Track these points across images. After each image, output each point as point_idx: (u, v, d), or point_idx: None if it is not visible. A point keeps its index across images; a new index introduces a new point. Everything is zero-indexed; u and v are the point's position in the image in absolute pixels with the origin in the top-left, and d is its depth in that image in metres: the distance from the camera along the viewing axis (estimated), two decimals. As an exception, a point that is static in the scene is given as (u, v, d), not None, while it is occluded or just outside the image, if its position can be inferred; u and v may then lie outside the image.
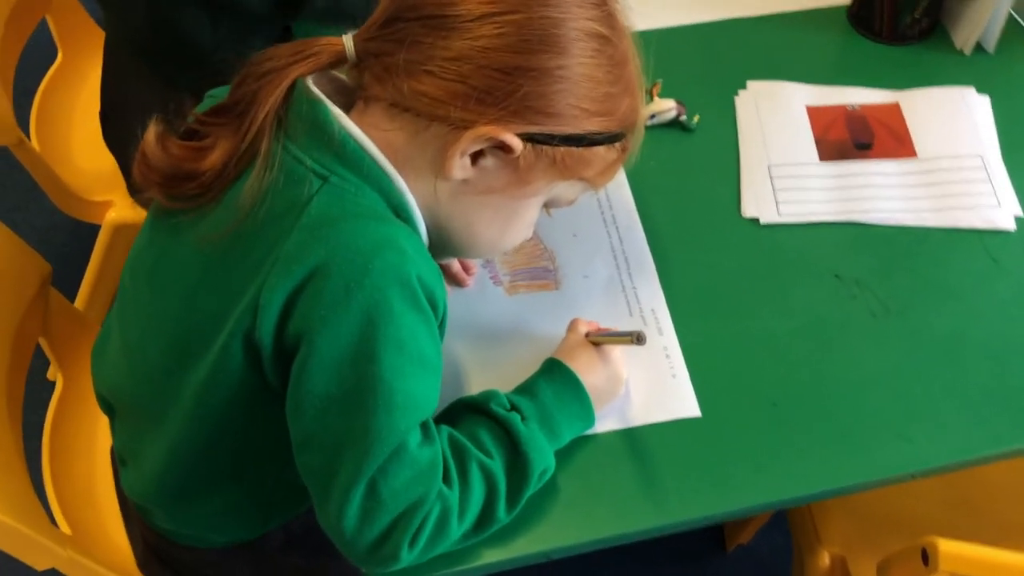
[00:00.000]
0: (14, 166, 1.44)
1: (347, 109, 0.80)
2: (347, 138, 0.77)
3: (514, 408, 0.85)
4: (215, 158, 0.79)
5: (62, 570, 1.01)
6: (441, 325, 0.83)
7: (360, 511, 0.75)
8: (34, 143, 1.50)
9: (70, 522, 1.15)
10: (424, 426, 0.79)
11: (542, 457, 0.84)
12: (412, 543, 0.77)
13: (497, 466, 0.82)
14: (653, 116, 1.12)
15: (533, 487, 0.84)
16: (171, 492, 0.90)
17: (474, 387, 0.93)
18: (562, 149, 0.78)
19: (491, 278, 1.02)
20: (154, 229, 0.87)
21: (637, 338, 0.84)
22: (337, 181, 0.76)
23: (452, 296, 1.00)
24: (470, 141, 0.76)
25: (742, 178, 1.08)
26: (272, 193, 0.76)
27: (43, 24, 1.57)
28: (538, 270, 1.02)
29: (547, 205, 0.86)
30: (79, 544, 1.08)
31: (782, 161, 1.09)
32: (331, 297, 0.73)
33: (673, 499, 0.86)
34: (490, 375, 0.93)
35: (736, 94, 1.17)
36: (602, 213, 1.06)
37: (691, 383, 0.93)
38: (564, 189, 0.84)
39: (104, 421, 1.18)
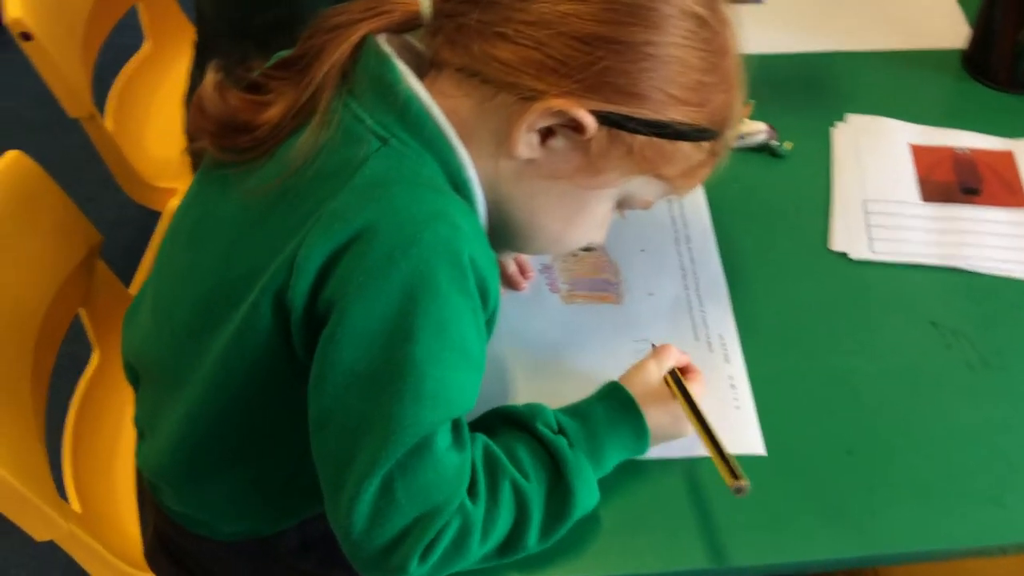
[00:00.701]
0: (92, 157, 1.42)
1: (420, 78, 0.74)
2: (412, 99, 0.71)
3: (561, 431, 0.77)
4: (273, 112, 0.74)
5: (61, 544, 0.96)
6: (490, 321, 0.76)
7: (372, 508, 0.67)
8: (108, 123, 1.49)
9: (81, 499, 1.10)
10: (456, 427, 0.71)
11: (588, 493, 0.75)
12: (424, 556, 0.68)
13: (533, 490, 0.73)
14: (741, 137, 1.05)
15: (572, 521, 0.75)
16: (182, 467, 0.83)
17: (517, 396, 0.85)
18: (641, 138, 0.70)
19: (548, 285, 0.94)
20: (200, 185, 0.82)
21: (737, 490, 0.73)
22: (397, 145, 0.70)
23: (505, 298, 0.93)
24: (538, 115, 0.69)
25: (833, 211, 1.00)
26: (327, 150, 0.71)
27: (132, 13, 1.58)
28: (599, 281, 0.94)
29: (620, 205, 0.78)
30: (85, 522, 1.02)
31: (879, 197, 1.00)
32: (373, 263, 0.66)
33: (726, 541, 0.76)
34: (535, 385, 0.85)
35: (833, 126, 1.08)
36: (675, 231, 0.98)
37: (757, 418, 0.84)
38: (640, 186, 0.75)
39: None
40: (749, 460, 0.81)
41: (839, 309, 0.92)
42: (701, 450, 0.81)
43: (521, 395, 0.85)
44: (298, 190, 0.71)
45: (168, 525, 0.95)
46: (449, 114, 0.71)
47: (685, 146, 0.73)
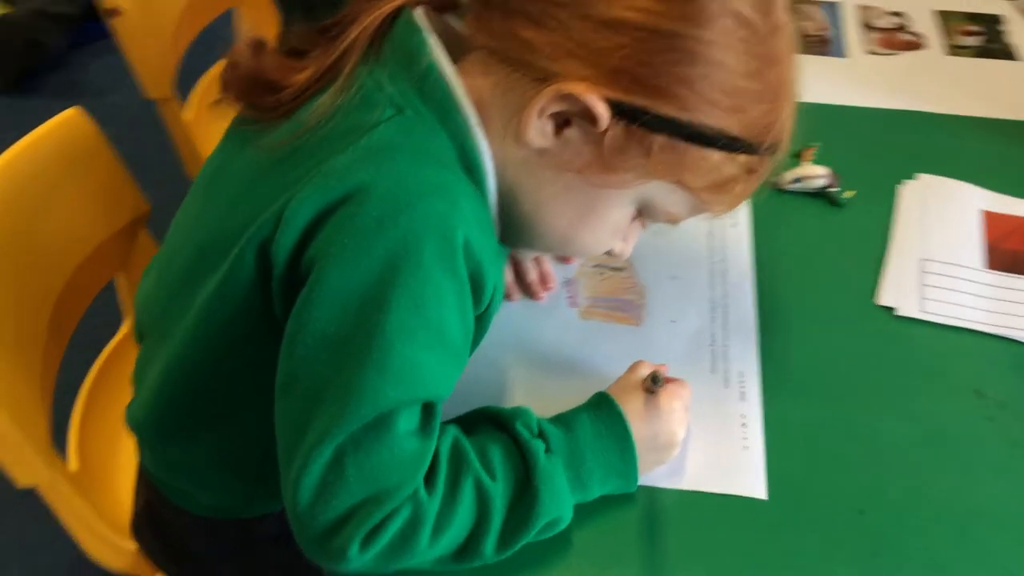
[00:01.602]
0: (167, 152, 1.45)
1: (455, 60, 0.72)
2: (433, 70, 0.68)
3: (541, 436, 0.72)
4: (301, 76, 0.73)
5: (43, 492, 0.94)
6: (485, 316, 0.72)
7: (319, 482, 0.63)
8: (188, 114, 1.52)
9: (81, 458, 1.09)
10: (426, 413, 0.67)
11: (556, 503, 0.69)
12: (366, 542, 0.64)
13: (498, 493, 0.68)
14: (798, 180, 0.99)
15: (534, 533, 0.69)
16: (157, 423, 0.81)
17: (514, 404, 0.80)
18: (661, 138, 0.65)
19: (568, 298, 0.90)
20: (223, 142, 0.82)
21: (653, 379, 0.71)
22: (411, 115, 0.68)
23: (521, 306, 0.89)
24: (549, 98, 0.65)
25: (887, 265, 0.93)
26: (342, 112, 0.69)
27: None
28: (622, 301, 0.89)
29: (642, 213, 0.73)
30: (77, 480, 1.01)
31: (940, 259, 0.93)
32: (360, 226, 0.63)
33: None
34: (536, 396, 0.80)
35: (901, 183, 1.02)
36: (712, 263, 0.93)
37: (765, 461, 0.77)
38: (662, 195, 0.70)
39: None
40: (747, 502, 0.74)
41: (876, 364, 0.85)
42: (694, 484, 0.75)
43: (519, 404, 0.80)
44: (306, 148, 0.69)
45: (153, 493, 0.92)
46: (470, 93, 0.69)
47: (714, 155, 0.68)
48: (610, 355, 0.84)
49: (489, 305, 0.72)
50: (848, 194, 0.99)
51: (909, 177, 1.03)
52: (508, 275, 0.89)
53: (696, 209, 0.73)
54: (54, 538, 0.99)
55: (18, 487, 0.91)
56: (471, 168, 0.69)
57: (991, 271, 0.92)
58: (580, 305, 0.89)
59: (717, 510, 0.74)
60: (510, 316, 0.88)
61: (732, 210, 0.75)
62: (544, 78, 0.66)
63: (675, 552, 0.71)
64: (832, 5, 1.28)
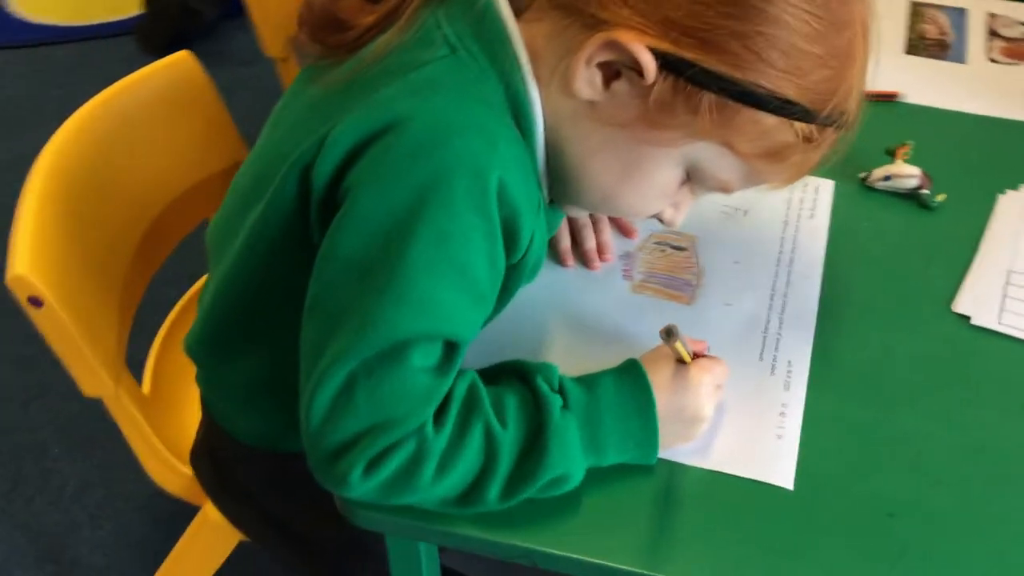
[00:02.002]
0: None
1: (521, 8, 0.71)
2: (490, 12, 0.68)
3: (561, 392, 0.70)
4: (371, 17, 0.74)
5: (108, 405, 0.98)
6: (521, 265, 0.71)
7: (330, 403, 0.64)
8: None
9: (154, 384, 1.14)
10: (446, 353, 0.67)
11: (564, 459, 0.68)
12: (369, 470, 0.64)
13: (507, 440, 0.67)
14: (888, 178, 0.94)
15: (539, 486, 0.68)
16: (205, 343, 0.84)
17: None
18: (710, 95, 0.64)
19: (623, 271, 0.88)
20: (295, 82, 0.84)
21: (668, 332, 0.68)
22: (464, 56, 0.68)
23: (573, 272, 0.88)
24: (596, 46, 0.64)
25: (970, 272, 0.87)
26: (400, 50, 0.70)
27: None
28: (678, 280, 0.87)
29: (691, 177, 0.71)
30: (146, 403, 1.05)
31: (1030, 272, 0.87)
32: (395, 156, 0.64)
33: (711, 562, 0.67)
34: (571, 364, 0.76)
35: (1004, 193, 0.96)
36: (780, 250, 0.89)
37: (798, 451, 0.73)
38: (711, 158, 0.68)
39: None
40: (771, 490, 0.71)
41: (936, 370, 0.80)
42: (720, 465, 0.72)
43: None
44: (360, 83, 0.70)
45: (207, 419, 0.96)
46: (526, 39, 0.68)
47: (767, 119, 0.65)
48: (655, 331, 0.81)
49: (525, 255, 0.72)
50: (940, 198, 0.94)
51: (1014, 188, 0.96)
52: (564, 240, 0.88)
53: (750, 179, 0.71)
54: (138, 470, 1.04)
55: (84, 395, 0.96)
56: (519, 115, 0.69)
57: (1086, 291, 0.86)
58: (634, 279, 0.87)
59: (738, 494, 0.71)
60: (560, 280, 0.87)
61: (791, 183, 0.73)
62: (594, 25, 0.65)
63: (684, 528, 0.69)
64: (960, 11, 1.22)
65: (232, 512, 1.03)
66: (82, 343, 0.92)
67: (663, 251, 0.90)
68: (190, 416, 1.10)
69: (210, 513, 1.06)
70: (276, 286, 0.75)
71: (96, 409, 1.00)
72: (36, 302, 0.87)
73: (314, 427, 0.65)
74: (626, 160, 0.69)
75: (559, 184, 0.74)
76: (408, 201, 0.63)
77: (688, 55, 0.63)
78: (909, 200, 0.95)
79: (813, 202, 0.94)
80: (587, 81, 0.66)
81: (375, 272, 0.64)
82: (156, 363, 1.16)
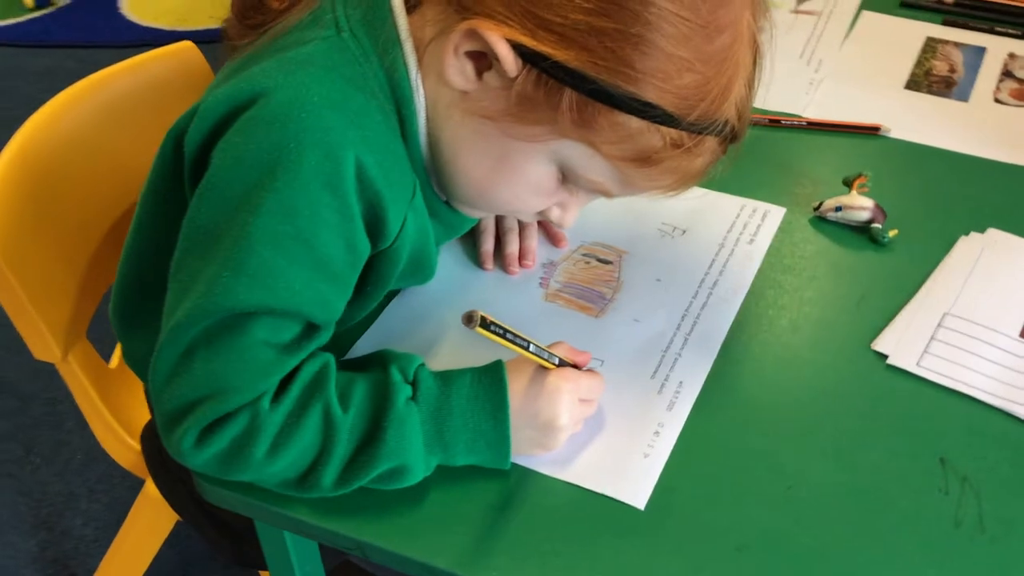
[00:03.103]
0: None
1: None
2: None
3: (415, 383, 0.69)
4: (286, 1, 0.76)
5: (60, 372, 1.02)
6: (391, 253, 0.71)
7: (170, 370, 0.66)
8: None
9: (121, 360, 1.17)
10: (304, 332, 0.67)
11: (402, 450, 0.66)
12: (201, 441, 0.65)
13: (345, 426, 0.66)
14: (839, 209, 0.90)
15: (374, 475, 0.67)
16: (118, 311, 0.86)
17: (441, 364, 0.78)
18: (570, 93, 0.63)
19: (541, 279, 0.86)
20: None
21: (468, 318, 0.63)
22: (348, 39, 0.68)
23: (491, 275, 0.87)
24: (461, 35, 0.64)
25: (901, 312, 0.82)
26: (293, 30, 0.71)
27: None
28: (592, 292, 0.85)
29: (566, 178, 0.70)
30: (108, 376, 1.08)
31: (968, 316, 0.81)
32: (250, 127, 0.65)
33: (533, 573, 0.65)
34: (459, 364, 0.77)
35: (967, 234, 0.89)
36: (706, 274, 0.86)
37: (659, 475, 0.70)
38: (579, 157, 0.67)
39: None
40: (622, 508, 0.68)
41: (837, 406, 0.75)
42: (577, 478, 0.70)
43: (450, 367, 0.77)
44: (251, 59, 0.71)
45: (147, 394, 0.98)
46: (416, 28, 0.69)
47: (631, 121, 0.64)
48: (555, 339, 0.79)
49: (396, 242, 0.71)
50: (892, 233, 0.88)
51: (980, 231, 0.90)
52: (487, 243, 0.87)
53: (623, 183, 0.69)
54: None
55: (35, 358, 1.00)
56: (400, 101, 0.69)
57: (1026, 341, 0.79)
58: (549, 288, 0.85)
59: (586, 508, 0.68)
60: (476, 281, 0.86)
61: (676, 191, 0.70)
62: (461, 13, 0.64)
63: (517, 537, 0.66)
64: (979, 50, 1.16)
65: (167, 491, 1.05)
66: (30, 308, 0.95)
67: (588, 263, 0.88)
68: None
69: (150, 490, 1.08)
70: (164, 254, 0.77)
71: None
72: (-17, 261, 0.92)
73: (155, 391, 0.66)
74: (496, 154, 0.69)
75: (441, 177, 0.73)
76: (257, 172, 0.64)
77: (546, 49, 0.62)
78: (861, 233, 0.90)
79: (757, 228, 0.91)
80: (458, 71, 0.66)
81: (221, 241, 0.65)
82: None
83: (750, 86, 0.68)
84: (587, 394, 0.72)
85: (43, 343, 0.99)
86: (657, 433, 0.73)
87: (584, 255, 0.89)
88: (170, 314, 0.66)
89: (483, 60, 0.65)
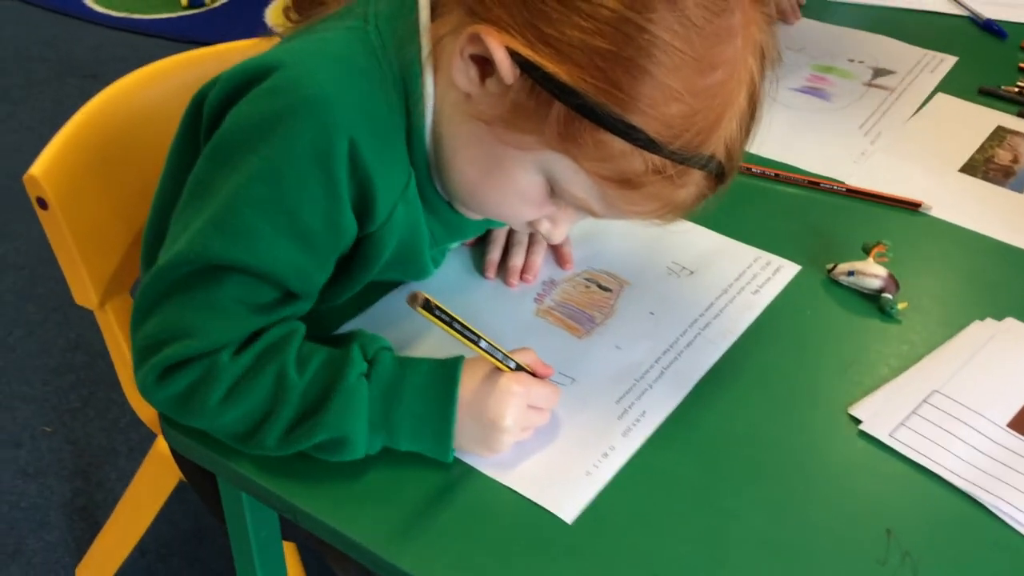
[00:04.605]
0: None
1: None
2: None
3: (372, 361, 0.71)
4: None
5: (97, 319, 1.08)
6: (378, 237, 0.74)
7: (147, 302, 0.70)
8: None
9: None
10: (280, 299, 0.71)
11: (344, 423, 0.68)
12: (161, 379, 0.69)
13: (297, 389, 0.69)
14: (852, 274, 0.88)
15: (314, 441, 0.69)
16: (142, 261, 0.91)
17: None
18: (559, 106, 0.64)
19: (538, 295, 0.88)
20: None
21: (412, 298, 0.64)
22: (372, 32, 0.72)
23: (491, 284, 0.89)
24: (467, 39, 0.67)
25: (889, 383, 0.80)
26: (329, 18, 0.75)
27: None
28: (583, 315, 0.86)
29: (555, 191, 0.71)
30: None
31: (956, 398, 0.78)
32: (259, 94, 0.69)
33: (445, 561, 0.65)
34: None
35: (982, 319, 0.87)
36: (701, 315, 0.86)
37: (596, 494, 0.70)
38: (562, 169, 0.68)
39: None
40: (551, 519, 0.69)
41: (796, 461, 0.73)
42: (515, 483, 0.71)
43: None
44: (287, 40, 0.76)
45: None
46: (436, 28, 0.72)
47: (615, 142, 0.65)
48: (539, 355, 0.81)
49: (384, 229, 0.74)
50: (902, 306, 0.86)
51: (996, 319, 0.87)
52: (494, 252, 0.90)
53: (605, 203, 0.70)
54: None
55: (76, 302, 1.07)
56: (409, 97, 0.72)
57: (1012, 432, 0.76)
58: (543, 304, 0.87)
59: (515, 512, 0.69)
60: (475, 288, 0.89)
61: (659, 218, 0.71)
62: (469, 16, 0.67)
63: (440, 527, 0.68)
64: (1051, 145, 1.12)
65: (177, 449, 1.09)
66: (75, 252, 1.02)
67: (588, 287, 0.89)
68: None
69: (160, 446, 1.13)
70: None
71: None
72: (42, 203, 0.99)
73: (132, 327, 0.71)
74: (488, 157, 0.71)
75: (442, 174, 0.76)
76: (251, 135, 0.68)
77: (541, 61, 0.64)
78: (871, 302, 0.88)
79: (766, 280, 0.90)
80: (463, 72, 0.69)
81: (212, 197, 0.69)
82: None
83: (744, 128, 0.68)
84: (538, 402, 0.73)
85: (83, 288, 1.05)
86: (606, 455, 0.73)
87: (586, 279, 0.90)
88: (161, 258, 0.71)
89: (487, 66, 0.68)
